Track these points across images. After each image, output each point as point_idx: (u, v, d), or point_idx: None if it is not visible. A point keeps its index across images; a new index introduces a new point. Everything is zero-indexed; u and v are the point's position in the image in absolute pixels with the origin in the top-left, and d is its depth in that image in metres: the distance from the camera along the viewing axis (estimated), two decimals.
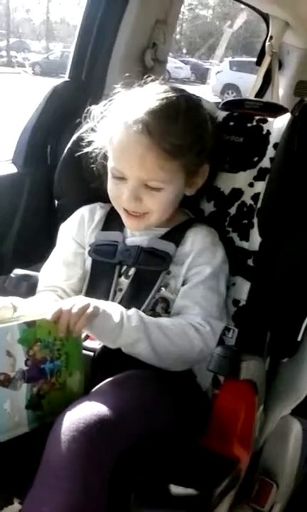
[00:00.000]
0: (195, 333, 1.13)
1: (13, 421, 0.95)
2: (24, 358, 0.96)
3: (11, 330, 0.95)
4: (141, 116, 1.13)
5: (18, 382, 0.96)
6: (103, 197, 1.28)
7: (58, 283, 1.27)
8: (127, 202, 1.18)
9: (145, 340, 1.07)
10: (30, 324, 0.98)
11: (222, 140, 1.31)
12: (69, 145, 1.35)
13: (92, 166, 1.27)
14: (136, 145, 1.13)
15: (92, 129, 1.27)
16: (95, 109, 1.26)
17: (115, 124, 1.18)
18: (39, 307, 1.09)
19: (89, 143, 1.27)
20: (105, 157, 1.24)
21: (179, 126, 1.14)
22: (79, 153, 1.29)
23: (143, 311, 1.17)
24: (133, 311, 1.09)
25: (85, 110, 1.28)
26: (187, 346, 1.12)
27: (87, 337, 1.13)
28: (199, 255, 1.21)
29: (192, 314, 1.16)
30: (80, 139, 1.30)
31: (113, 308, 1.07)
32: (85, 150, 1.28)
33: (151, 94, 1.17)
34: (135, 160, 1.14)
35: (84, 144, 1.28)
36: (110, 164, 1.20)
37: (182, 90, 1.22)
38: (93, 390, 1.03)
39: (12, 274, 1.33)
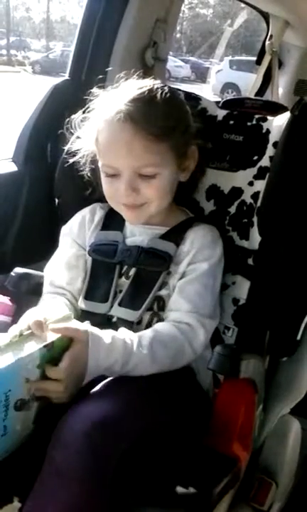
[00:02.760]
0: (185, 344, 1.13)
1: (21, 437, 0.97)
2: (39, 380, 0.97)
3: (32, 358, 0.94)
4: (121, 106, 1.13)
5: (30, 403, 0.96)
6: (101, 198, 1.28)
7: (64, 286, 1.26)
8: (125, 195, 1.17)
9: (139, 370, 1.07)
10: (49, 346, 0.97)
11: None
12: (63, 154, 1.34)
13: (83, 173, 1.27)
14: (122, 134, 1.13)
15: (78, 137, 1.27)
16: (75, 118, 1.26)
17: (98, 124, 1.18)
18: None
19: (77, 152, 1.27)
20: (93, 162, 1.24)
21: (160, 108, 1.14)
22: (69, 163, 1.29)
23: (142, 312, 1.18)
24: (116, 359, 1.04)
25: (66, 121, 1.28)
26: (178, 357, 1.13)
27: None
28: (198, 253, 1.21)
29: (185, 312, 1.16)
30: (70, 149, 1.30)
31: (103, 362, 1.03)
32: (74, 159, 1.28)
33: (126, 88, 1.18)
34: (123, 148, 1.13)
35: (71, 153, 1.28)
36: (100, 163, 1.20)
37: (155, 81, 1.22)
38: (94, 389, 1.03)
39: (12, 273, 1.33)
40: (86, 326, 1.05)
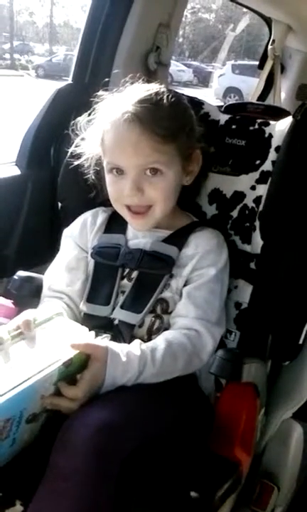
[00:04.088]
0: (193, 354, 1.13)
1: (26, 444, 0.97)
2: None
3: (50, 376, 0.94)
4: (128, 107, 1.14)
5: (40, 415, 0.97)
6: (105, 201, 1.29)
7: (63, 289, 1.26)
8: (130, 195, 1.17)
9: (146, 380, 1.07)
10: (68, 363, 0.97)
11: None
12: (67, 157, 1.35)
13: (87, 176, 1.28)
14: (129, 134, 1.13)
15: (82, 139, 1.28)
16: (81, 120, 1.26)
17: (104, 125, 1.19)
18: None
19: (80, 155, 1.28)
20: (97, 165, 1.25)
21: (166, 110, 1.15)
22: (73, 166, 1.30)
23: (144, 314, 1.18)
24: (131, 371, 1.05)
25: (71, 123, 1.28)
26: (186, 368, 1.13)
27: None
28: (204, 257, 1.21)
29: (194, 318, 1.16)
30: (74, 152, 1.31)
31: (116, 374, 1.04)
32: (78, 161, 1.28)
33: (133, 91, 1.19)
34: (130, 148, 1.14)
35: (76, 155, 1.29)
36: (105, 162, 1.20)
37: (160, 85, 1.22)
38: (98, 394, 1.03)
39: (15, 276, 1.33)
40: (105, 342, 1.06)
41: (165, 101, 1.15)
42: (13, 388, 0.87)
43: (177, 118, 1.18)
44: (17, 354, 0.96)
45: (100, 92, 1.24)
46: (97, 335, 1.10)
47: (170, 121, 1.15)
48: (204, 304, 1.18)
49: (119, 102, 1.18)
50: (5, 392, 0.86)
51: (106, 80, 1.51)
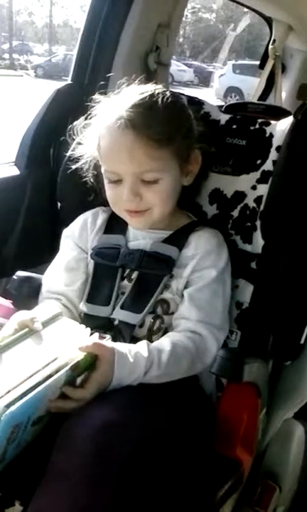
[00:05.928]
0: (196, 358, 1.13)
1: (26, 444, 0.97)
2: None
3: (59, 380, 0.94)
4: (122, 113, 1.13)
5: (45, 417, 0.97)
6: (104, 202, 1.28)
7: (61, 290, 1.26)
8: (128, 201, 1.17)
9: (150, 381, 1.07)
10: (74, 367, 0.97)
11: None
12: (65, 160, 1.35)
13: (85, 179, 1.28)
14: (123, 140, 1.13)
15: (79, 143, 1.28)
16: (77, 124, 1.26)
17: (99, 130, 1.18)
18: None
19: (79, 158, 1.28)
20: (96, 168, 1.25)
21: (161, 114, 1.14)
22: (71, 170, 1.30)
23: (144, 315, 1.18)
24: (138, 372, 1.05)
25: (68, 128, 1.28)
26: (189, 371, 1.14)
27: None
28: (204, 258, 1.20)
29: (197, 321, 1.16)
30: (72, 155, 1.31)
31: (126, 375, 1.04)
32: (76, 165, 1.28)
33: (128, 94, 1.18)
34: (125, 155, 1.13)
35: (74, 159, 1.29)
36: (103, 169, 1.20)
37: (156, 86, 1.21)
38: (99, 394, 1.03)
39: (14, 276, 1.33)
40: (110, 343, 1.06)
41: (159, 104, 1.14)
42: (22, 396, 0.87)
43: (172, 121, 1.16)
44: (24, 354, 0.95)
45: (96, 96, 1.23)
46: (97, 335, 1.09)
47: (164, 125, 1.14)
48: (207, 306, 1.17)
49: (114, 106, 1.17)
50: (15, 400, 0.86)
51: (103, 83, 1.51)
